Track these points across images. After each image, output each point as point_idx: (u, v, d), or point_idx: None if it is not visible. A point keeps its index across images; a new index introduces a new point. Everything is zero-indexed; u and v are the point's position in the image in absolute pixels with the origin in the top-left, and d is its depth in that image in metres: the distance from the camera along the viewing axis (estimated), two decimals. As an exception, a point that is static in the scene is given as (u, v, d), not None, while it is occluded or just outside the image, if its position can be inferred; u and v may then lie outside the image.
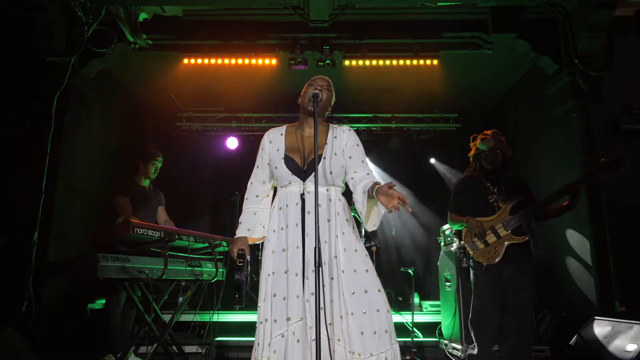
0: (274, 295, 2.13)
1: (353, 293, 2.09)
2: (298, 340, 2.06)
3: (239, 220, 2.37)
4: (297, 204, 2.22)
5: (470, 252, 3.22)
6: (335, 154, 2.29)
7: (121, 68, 5.40)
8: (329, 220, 2.21)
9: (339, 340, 2.06)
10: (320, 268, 1.92)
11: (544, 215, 3.22)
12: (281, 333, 2.07)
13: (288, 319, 2.08)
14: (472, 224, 3.18)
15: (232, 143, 7.14)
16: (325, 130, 2.38)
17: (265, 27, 4.90)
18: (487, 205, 3.23)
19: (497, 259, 3.09)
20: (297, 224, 2.19)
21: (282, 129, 2.44)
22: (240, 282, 2.20)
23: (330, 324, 2.06)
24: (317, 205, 2.00)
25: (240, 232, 2.33)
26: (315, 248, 1.93)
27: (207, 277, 3.63)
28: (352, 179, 2.31)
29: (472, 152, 3.42)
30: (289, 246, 2.17)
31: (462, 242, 3.68)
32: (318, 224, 1.98)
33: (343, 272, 2.13)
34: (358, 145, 2.36)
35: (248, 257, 2.24)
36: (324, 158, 2.27)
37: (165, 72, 5.61)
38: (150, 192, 4.24)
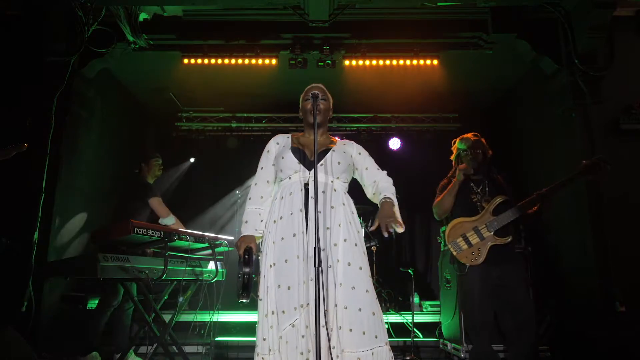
0: (279, 286, 2.11)
1: (341, 284, 2.10)
2: (307, 326, 2.04)
3: (244, 219, 2.34)
4: (300, 190, 2.24)
5: (454, 253, 3.22)
6: (344, 152, 2.38)
7: (121, 68, 5.40)
8: (332, 207, 2.22)
9: (331, 329, 2.05)
10: (321, 254, 1.93)
11: (521, 220, 3.22)
12: (291, 323, 2.05)
13: (295, 308, 2.06)
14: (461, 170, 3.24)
15: (232, 143, 7.15)
16: (329, 140, 2.48)
17: (265, 27, 4.90)
18: (471, 206, 3.27)
19: (480, 260, 3.10)
20: (300, 210, 2.20)
21: (289, 135, 2.51)
22: (248, 276, 2.10)
23: (326, 310, 2.02)
24: (316, 202, 2.00)
25: (247, 231, 2.29)
26: (315, 245, 1.93)
27: (207, 277, 3.63)
28: (373, 191, 2.42)
29: (454, 154, 3.49)
30: (295, 233, 2.16)
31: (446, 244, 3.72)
32: (317, 224, 1.98)
33: (338, 261, 2.13)
34: (368, 155, 2.50)
35: (255, 255, 2.21)
36: (333, 151, 2.34)
37: (165, 72, 5.61)
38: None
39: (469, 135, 3.41)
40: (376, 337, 2.04)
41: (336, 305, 2.07)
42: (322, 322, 1.93)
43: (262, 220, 2.34)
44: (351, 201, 2.35)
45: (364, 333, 2.02)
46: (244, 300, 2.11)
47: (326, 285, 2.07)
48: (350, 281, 2.10)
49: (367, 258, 2.23)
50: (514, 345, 3.07)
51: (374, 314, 2.07)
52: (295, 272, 2.10)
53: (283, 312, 2.07)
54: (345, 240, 2.17)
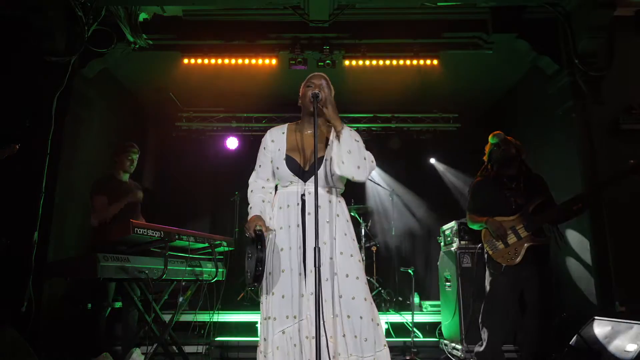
0: (273, 293, 2.15)
1: (341, 297, 2.12)
2: (295, 344, 2.09)
3: (250, 206, 2.32)
4: (297, 204, 2.23)
5: (490, 252, 3.18)
6: None
7: (121, 68, 5.40)
8: (328, 222, 2.23)
9: (330, 337, 2.08)
10: (319, 268, 1.93)
11: (559, 220, 3.21)
12: (282, 330, 2.10)
13: (287, 317, 2.11)
14: (492, 225, 3.12)
15: (232, 143, 7.15)
16: (328, 131, 2.36)
17: (265, 27, 4.90)
18: (504, 201, 3.21)
19: (517, 260, 3.05)
20: (298, 225, 2.20)
21: (284, 127, 2.43)
22: (260, 261, 2.03)
23: (324, 322, 2.07)
24: (317, 205, 2.01)
25: (254, 213, 2.27)
26: (314, 248, 1.94)
27: (207, 277, 3.63)
28: None
29: (487, 152, 3.44)
30: (291, 246, 2.19)
31: (475, 242, 3.68)
32: (317, 227, 1.99)
33: (336, 274, 2.16)
34: (357, 140, 2.25)
35: (266, 234, 2.16)
36: (326, 160, 2.27)
37: (165, 72, 5.61)
38: (131, 187, 4.13)
39: (499, 131, 3.40)
40: (375, 342, 2.10)
41: (337, 316, 2.10)
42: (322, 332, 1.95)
43: (266, 207, 2.30)
44: (345, 209, 2.34)
45: (366, 340, 2.08)
46: (256, 286, 2.09)
47: (327, 297, 2.11)
48: (350, 292, 2.13)
49: (363, 266, 2.26)
50: (534, 346, 3.07)
51: (372, 320, 2.13)
52: (294, 284, 2.13)
53: (275, 318, 2.12)
54: (341, 253, 2.19)
